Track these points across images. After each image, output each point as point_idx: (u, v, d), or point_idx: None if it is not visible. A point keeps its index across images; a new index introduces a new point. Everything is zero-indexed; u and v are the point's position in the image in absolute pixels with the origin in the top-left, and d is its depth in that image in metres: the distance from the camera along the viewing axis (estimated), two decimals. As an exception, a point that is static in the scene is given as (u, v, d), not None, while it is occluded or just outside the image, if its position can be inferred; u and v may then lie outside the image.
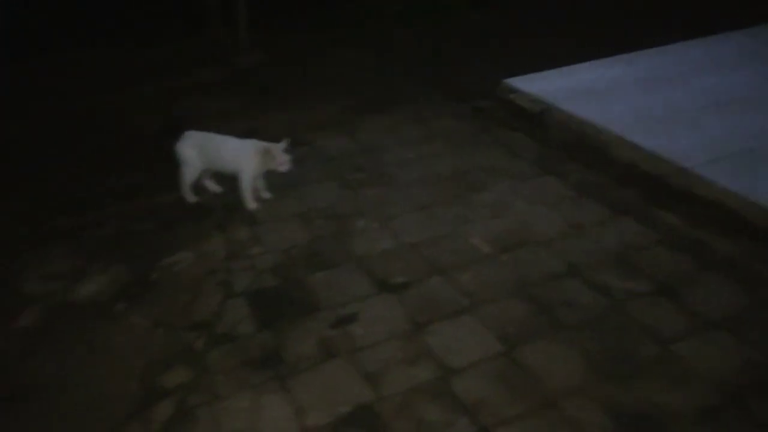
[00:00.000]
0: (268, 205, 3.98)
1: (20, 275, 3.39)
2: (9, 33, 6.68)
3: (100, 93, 6.01)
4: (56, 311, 3.12)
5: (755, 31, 6.37)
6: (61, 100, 5.89)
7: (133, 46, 7.35)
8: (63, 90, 6.10)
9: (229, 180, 3.97)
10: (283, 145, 3.73)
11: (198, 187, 4.09)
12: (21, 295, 3.22)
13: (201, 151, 3.85)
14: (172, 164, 3.96)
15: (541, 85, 5.21)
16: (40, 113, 5.65)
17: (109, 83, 6.23)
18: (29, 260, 3.53)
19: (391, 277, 3.27)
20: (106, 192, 4.23)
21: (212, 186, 4.13)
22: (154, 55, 7.08)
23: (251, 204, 3.90)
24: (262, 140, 3.84)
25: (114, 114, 5.61)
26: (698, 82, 5.19)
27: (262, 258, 3.46)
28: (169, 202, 4.04)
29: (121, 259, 3.51)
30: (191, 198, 4.01)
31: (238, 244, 3.59)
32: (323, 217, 3.84)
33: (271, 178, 3.97)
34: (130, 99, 5.92)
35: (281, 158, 3.70)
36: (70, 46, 6.92)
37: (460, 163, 4.46)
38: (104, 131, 5.27)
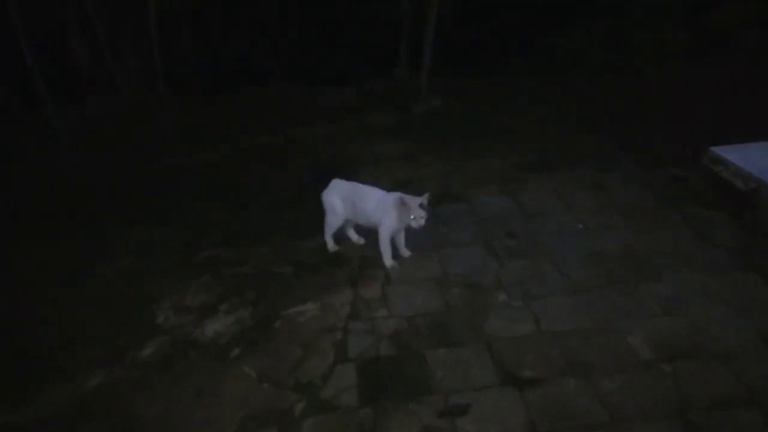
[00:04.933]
0: (406, 263, 3.74)
1: (159, 302, 3.53)
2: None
3: (277, 131, 6.36)
4: (179, 346, 3.17)
5: None
6: (242, 134, 6.30)
7: (326, 85, 7.76)
8: (248, 126, 6.55)
9: (372, 232, 3.80)
10: (422, 199, 3.47)
11: (341, 237, 3.99)
12: (152, 324, 3.34)
13: (345, 201, 3.75)
14: (321, 209, 3.90)
15: (756, 157, 4.33)
16: (211, 148, 6.05)
17: (288, 121, 6.57)
18: (172, 288, 3.68)
19: (520, 368, 2.81)
20: (257, 230, 4.31)
21: (355, 236, 4.01)
22: (339, 94, 7.37)
23: (388, 261, 3.69)
24: (415, 192, 3.61)
25: (285, 152, 5.84)
26: None
27: (385, 322, 3.21)
28: (311, 246, 3.99)
29: (251, 300, 3.50)
30: (332, 246, 3.92)
31: (364, 303, 3.39)
32: (461, 285, 3.49)
33: (416, 236, 3.72)
34: (303, 137, 6.14)
35: (416, 213, 3.44)
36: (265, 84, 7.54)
37: (636, 243, 3.82)
38: (272, 169, 5.47)
